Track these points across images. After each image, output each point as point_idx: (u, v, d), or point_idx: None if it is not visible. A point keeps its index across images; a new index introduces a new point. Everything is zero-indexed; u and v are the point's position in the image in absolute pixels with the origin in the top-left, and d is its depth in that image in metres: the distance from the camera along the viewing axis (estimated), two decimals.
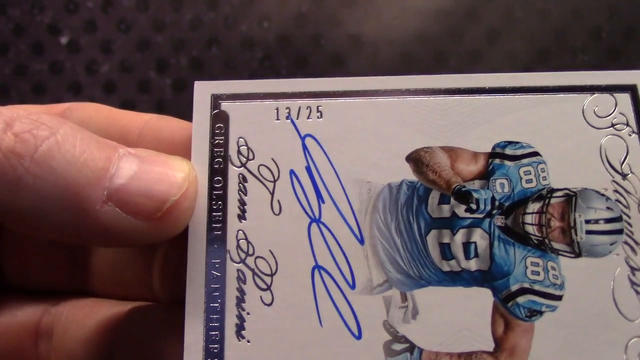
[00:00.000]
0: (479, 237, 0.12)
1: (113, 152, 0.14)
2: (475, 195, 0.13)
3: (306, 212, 0.14)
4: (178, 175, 0.14)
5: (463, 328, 0.12)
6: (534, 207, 0.12)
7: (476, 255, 0.12)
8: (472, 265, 0.12)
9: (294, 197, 0.14)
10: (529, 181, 0.13)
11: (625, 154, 0.14)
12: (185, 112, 0.93)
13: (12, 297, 0.19)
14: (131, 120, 0.18)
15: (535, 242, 0.12)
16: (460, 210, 0.12)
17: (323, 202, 0.14)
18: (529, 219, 0.12)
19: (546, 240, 0.12)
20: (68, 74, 0.83)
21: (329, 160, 0.14)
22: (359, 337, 0.13)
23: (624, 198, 0.13)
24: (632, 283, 0.13)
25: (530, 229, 0.12)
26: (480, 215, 0.12)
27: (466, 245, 0.12)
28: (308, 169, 0.14)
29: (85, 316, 0.18)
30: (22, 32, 0.80)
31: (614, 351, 0.12)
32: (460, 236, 0.12)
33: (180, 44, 0.83)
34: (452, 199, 0.13)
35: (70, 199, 0.13)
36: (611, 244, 0.12)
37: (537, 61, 0.80)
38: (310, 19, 0.78)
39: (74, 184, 0.13)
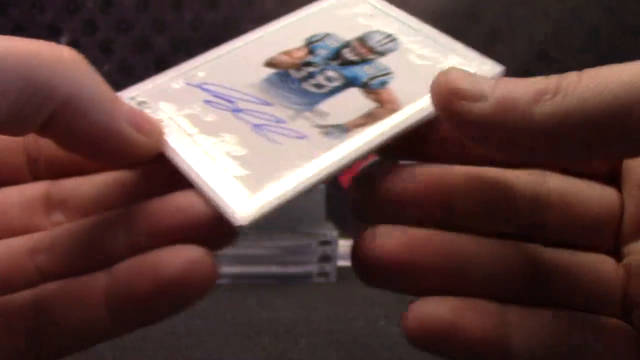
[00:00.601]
0: (331, 73, 0.23)
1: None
2: (313, 59, 0.23)
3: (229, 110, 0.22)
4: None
5: (356, 106, 0.21)
6: (347, 48, 0.24)
7: (336, 79, 0.22)
8: (337, 83, 0.22)
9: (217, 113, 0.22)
10: (338, 41, 0.24)
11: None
12: None
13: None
14: None
15: (360, 60, 0.23)
16: (312, 69, 0.23)
17: (234, 103, 0.22)
18: (349, 53, 0.23)
19: (364, 58, 0.23)
20: None
21: (223, 85, 0.23)
22: (302, 137, 0.20)
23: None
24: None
25: (352, 57, 0.23)
26: (324, 65, 0.23)
27: (326, 78, 0.22)
28: (211, 100, 0.22)
29: (93, 179, 0.21)
30: (22, 32, 0.79)
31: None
32: (320, 77, 0.22)
33: (180, 44, 0.83)
34: (303, 68, 0.23)
35: (109, 105, 0.18)
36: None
37: (537, 61, 0.81)
38: None
39: (111, 96, 0.18)
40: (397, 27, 0.25)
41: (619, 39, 0.76)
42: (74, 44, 0.77)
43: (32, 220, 0.20)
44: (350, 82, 0.22)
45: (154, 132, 0.19)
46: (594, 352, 0.19)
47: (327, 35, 0.24)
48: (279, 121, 0.21)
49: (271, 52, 0.24)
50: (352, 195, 0.20)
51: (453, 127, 0.18)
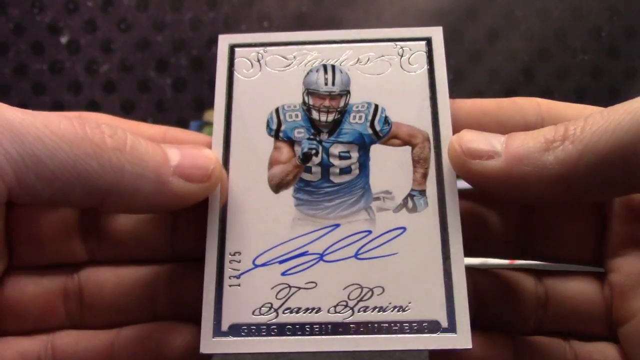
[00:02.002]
0: (338, 148, 0.20)
1: (160, 145, 0.20)
2: (304, 147, 0.20)
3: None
4: (209, 152, 0.20)
5: (399, 164, 0.20)
6: (312, 110, 0.21)
7: (348, 151, 0.20)
8: (354, 153, 0.20)
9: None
10: (294, 110, 0.21)
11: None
12: (185, 111, 0.93)
13: (28, 272, 0.21)
14: (152, 131, 0.21)
15: (338, 115, 0.21)
16: (316, 159, 0.20)
17: (308, 253, 0.20)
18: (318, 114, 0.21)
19: (337, 109, 0.21)
20: (68, 73, 0.83)
21: (277, 244, 0.20)
22: (403, 229, 0.19)
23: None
24: None
25: (327, 117, 0.20)
26: (320, 145, 0.20)
27: (341, 157, 0.20)
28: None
29: (114, 276, 0.21)
30: (22, 32, 0.79)
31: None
32: (336, 161, 0.20)
33: (180, 44, 0.83)
34: (309, 166, 0.20)
35: (154, 176, 0.18)
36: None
37: (537, 61, 0.80)
38: (310, 19, 0.78)
39: (155, 166, 0.18)
40: (316, 54, 0.21)
41: (619, 39, 0.76)
42: (74, 43, 0.77)
43: (49, 311, 0.21)
44: (362, 143, 0.20)
45: (204, 177, 0.19)
46: None
47: (277, 111, 0.21)
48: (366, 234, 0.19)
49: (262, 172, 0.20)
50: None
51: (471, 184, 0.19)
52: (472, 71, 0.75)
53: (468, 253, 0.19)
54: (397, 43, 0.21)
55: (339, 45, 0.22)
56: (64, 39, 0.77)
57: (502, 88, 0.75)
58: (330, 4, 0.77)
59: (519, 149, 0.18)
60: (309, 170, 0.20)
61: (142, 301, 0.21)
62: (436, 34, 0.21)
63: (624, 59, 0.76)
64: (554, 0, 0.76)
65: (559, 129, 0.17)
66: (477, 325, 0.19)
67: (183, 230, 0.21)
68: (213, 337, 0.18)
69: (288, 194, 0.20)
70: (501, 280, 0.20)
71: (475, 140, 0.19)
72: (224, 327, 0.19)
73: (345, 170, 0.20)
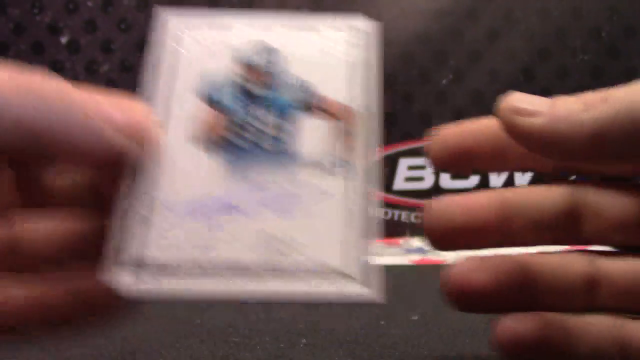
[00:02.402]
0: (270, 118, 0.21)
1: (96, 97, 0.20)
2: (236, 116, 0.21)
3: None
4: (143, 108, 0.21)
5: (323, 135, 0.21)
6: (248, 83, 0.22)
7: (271, 121, 0.21)
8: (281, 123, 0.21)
9: None
10: (226, 77, 0.22)
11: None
12: None
13: None
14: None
15: (268, 88, 0.22)
16: (251, 128, 0.22)
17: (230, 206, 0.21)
18: (252, 85, 0.22)
19: (269, 83, 0.22)
20: (68, 73, 0.83)
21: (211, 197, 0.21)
22: (332, 196, 0.20)
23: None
24: None
25: (260, 90, 0.22)
26: (253, 116, 0.22)
27: (275, 127, 0.21)
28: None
29: (44, 227, 0.22)
30: (22, 32, 0.80)
31: None
32: (267, 129, 0.21)
33: None
34: (242, 131, 0.21)
35: (90, 126, 0.19)
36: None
37: (537, 61, 0.81)
38: None
39: (92, 115, 0.19)
40: (253, 31, 0.23)
41: (619, 39, 0.76)
42: (74, 43, 0.77)
43: None
44: (292, 114, 0.22)
45: (139, 131, 0.20)
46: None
47: (210, 80, 0.22)
48: (291, 197, 0.21)
49: (192, 135, 0.21)
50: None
51: (514, 139, 0.21)
52: (472, 71, 0.76)
53: (518, 244, 0.21)
54: (331, 27, 0.24)
55: (276, 26, 0.24)
56: (64, 39, 0.77)
57: (502, 88, 0.75)
58: (330, 4, 0.77)
59: (560, 108, 0.19)
60: (239, 137, 0.21)
61: (74, 252, 0.21)
62: (365, 21, 0.24)
63: (624, 59, 0.76)
64: (554, 0, 0.76)
65: (601, 92, 0.19)
66: (529, 307, 0.20)
67: (114, 186, 0.21)
68: (132, 280, 0.19)
69: (217, 156, 0.21)
70: (552, 262, 0.21)
71: (523, 100, 0.20)
72: (140, 268, 0.20)
73: (274, 139, 0.21)
